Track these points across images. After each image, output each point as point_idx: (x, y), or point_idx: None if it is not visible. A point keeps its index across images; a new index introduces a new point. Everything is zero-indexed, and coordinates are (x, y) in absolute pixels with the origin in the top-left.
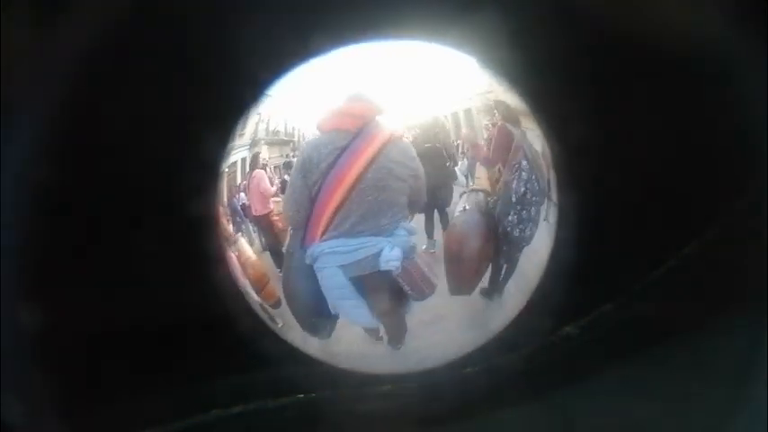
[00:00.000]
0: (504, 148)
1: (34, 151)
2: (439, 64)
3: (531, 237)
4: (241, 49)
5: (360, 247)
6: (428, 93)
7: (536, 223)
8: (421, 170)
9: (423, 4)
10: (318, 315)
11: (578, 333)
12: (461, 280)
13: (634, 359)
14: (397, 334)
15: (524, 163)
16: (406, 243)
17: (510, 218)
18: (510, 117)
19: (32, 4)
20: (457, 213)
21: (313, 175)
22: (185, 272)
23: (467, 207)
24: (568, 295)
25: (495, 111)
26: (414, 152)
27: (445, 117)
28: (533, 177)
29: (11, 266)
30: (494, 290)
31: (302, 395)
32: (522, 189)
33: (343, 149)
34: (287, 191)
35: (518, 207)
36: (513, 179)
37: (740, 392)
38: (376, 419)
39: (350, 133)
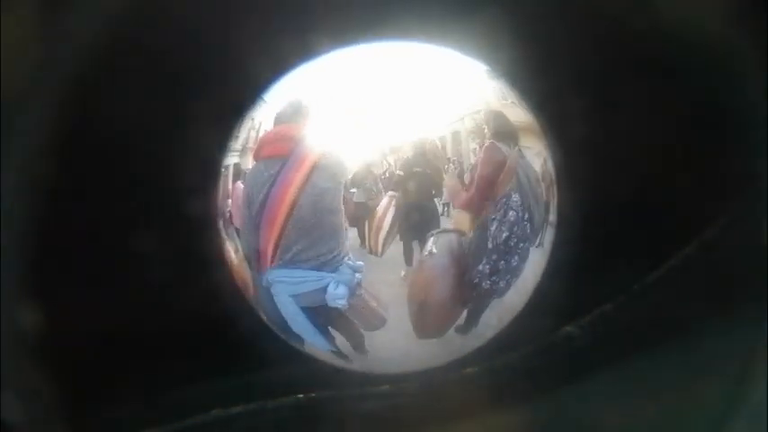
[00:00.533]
0: (489, 179)
1: (34, 151)
2: (439, 71)
3: (506, 289)
4: (241, 50)
5: (305, 280)
6: (424, 107)
7: (516, 274)
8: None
9: (423, 4)
10: (286, 332)
11: (578, 333)
12: (428, 326)
13: (634, 359)
14: (358, 343)
15: (515, 198)
16: (352, 280)
17: (481, 267)
18: (505, 134)
19: (33, 4)
20: (425, 254)
21: (255, 207)
22: (185, 272)
23: (434, 250)
24: (568, 295)
25: (486, 127)
26: (346, 171)
27: (441, 138)
28: (524, 218)
29: (11, 266)
30: (471, 325)
31: (302, 395)
32: (505, 234)
33: (275, 177)
34: (237, 222)
35: (493, 256)
36: (494, 220)
37: (740, 392)
38: (376, 419)
39: (281, 159)
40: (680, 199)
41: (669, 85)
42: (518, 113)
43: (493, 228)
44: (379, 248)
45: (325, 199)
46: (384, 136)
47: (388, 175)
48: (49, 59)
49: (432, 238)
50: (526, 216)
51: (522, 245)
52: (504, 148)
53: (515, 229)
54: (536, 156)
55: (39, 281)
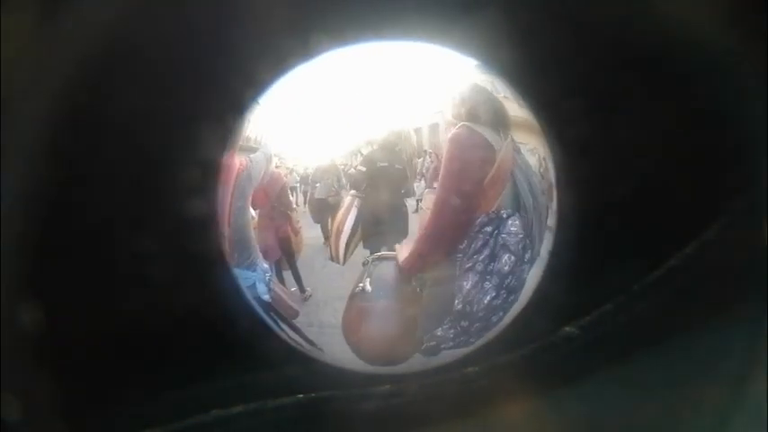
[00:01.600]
0: (463, 182)
1: (34, 151)
2: (428, 66)
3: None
4: (241, 49)
5: (244, 277)
6: (405, 100)
7: (498, 322)
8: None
9: (422, 4)
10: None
11: (578, 333)
12: (376, 359)
13: (634, 359)
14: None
15: (511, 226)
16: (265, 278)
17: (440, 332)
18: (492, 120)
19: (33, 4)
20: (356, 290)
21: None
22: (185, 272)
23: (367, 288)
24: (568, 295)
25: (463, 111)
26: (253, 183)
27: (415, 130)
28: (524, 257)
29: (11, 266)
30: (439, 345)
31: (302, 395)
32: (489, 296)
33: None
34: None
35: (462, 322)
36: (470, 269)
37: (740, 392)
38: (376, 419)
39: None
40: (680, 199)
41: (669, 85)
42: (512, 108)
43: (467, 283)
44: (341, 255)
45: (242, 212)
46: (358, 129)
47: (353, 170)
48: (49, 59)
49: (367, 266)
50: (527, 255)
51: (515, 285)
52: (489, 134)
53: (509, 280)
54: (530, 153)
55: (39, 281)
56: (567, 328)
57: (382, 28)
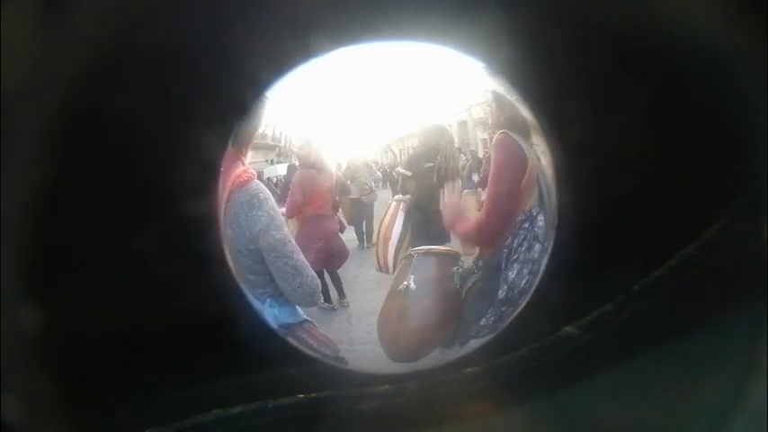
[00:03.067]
0: (507, 187)
1: (34, 151)
2: (441, 68)
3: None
4: (241, 49)
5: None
6: (429, 98)
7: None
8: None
9: (422, 4)
10: None
11: (578, 333)
12: (402, 355)
13: (634, 359)
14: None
15: (540, 222)
16: (297, 318)
17: (483, 321)
18: (518, 126)
19: (33, 4)
20: (400, 287)
21: None
22: (185, 272)
23: (412, 286)
24: (568, 295)
25: (498, 115)
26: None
27: (450, 126)
28: (546, 247)
29: (11, 266)
30: (476, 334)
31: (302, 395)
32: (525, 279)
33: None
34: None
35: (503, 308)
36: (515, 260)
37: (740, 392)
38: (376, 419)
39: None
40: (680, 199)
41: (669, 85)
42: (524, 110)
43: (512, 272)
44: (390, 264)
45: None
46: (386, 126)
47: (388, 169)
48: (50, 59)
49: (411, 263)
50: (546, 245)
51: (537, 269)
52: (521, 140)
53: (536, 265)
54: (543, 154)
55: (39, 281)
56: (567, 328)
57: (381, 28)
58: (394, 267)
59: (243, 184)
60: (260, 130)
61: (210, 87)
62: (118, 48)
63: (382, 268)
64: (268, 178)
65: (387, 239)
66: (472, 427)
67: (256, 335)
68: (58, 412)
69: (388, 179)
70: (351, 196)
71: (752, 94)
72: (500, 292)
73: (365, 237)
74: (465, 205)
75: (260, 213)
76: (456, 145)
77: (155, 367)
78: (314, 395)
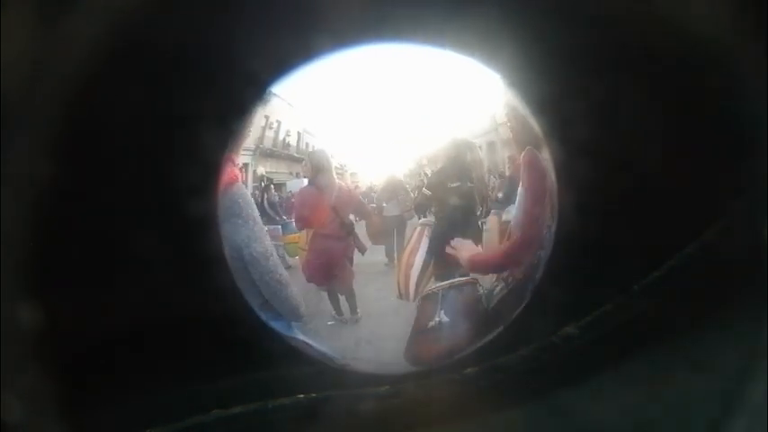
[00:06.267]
0: (538, 206)
1: (35, 151)
2: (467, 84)
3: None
4: (242, 49)
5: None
6: (457, 116)
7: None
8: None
9: (422, 5)
10: None
11: (578, 333)
12: (422, 363)
13: (634, 359)
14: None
15: (552, 227)
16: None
17: (514, 314)
18: (538, 145)
19: (33, 4)
20: (431, 323)
21: None
22: (185, 272)
23: (444, 319)
24: (568, 295)
25: (522, 133)
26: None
27: (479, 146)
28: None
29: (11, 266)
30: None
31: (302, 395)
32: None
33: None
34: None
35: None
36: (541, 260)
37: (740, 392)
38: (376, 419)
39: None
40: (680, 199)
41: (669, 85)
42: (533, 120)
43: (538, 274)
44: (411, 293)
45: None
46: (416, 143)
47: (418, 194)
48: (50, 59)
49: (437, 299)
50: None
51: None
52: (542, 154)
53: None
54: (548, 162)
55: (39, 281)
56: (567, 328)
57: (381, 28)
58: (415, 295)
59: (227, 187)
60: (284, 139)
61: (210, 87)
62: (118, 48)
63: (402, 295)
64: (290, 191)
65: (409, 266)
66: (472, 427)
67: (256, 335)
68: (58, 412)
69: (417, 204)
70: (387, 214)
71: (752, 94)
72: (527, 291)
73: (396, 255)
74: (491, 232)
75: (240, 222)
76: (486, 166)
77: (155, 367)
78: (314, 395)
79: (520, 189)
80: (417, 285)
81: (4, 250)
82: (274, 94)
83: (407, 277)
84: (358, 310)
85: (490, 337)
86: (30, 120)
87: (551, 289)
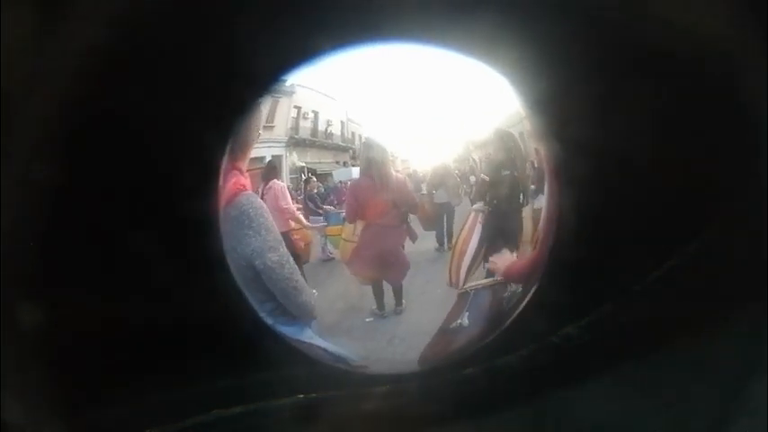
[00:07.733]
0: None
1: (34, 151)
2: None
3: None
4: (241, 49)
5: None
6: (497, 107)
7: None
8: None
9: (422, 4)
10: None
11: (578, 333)
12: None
13: (634, 359)
14: None
15: None
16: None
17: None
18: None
19: (34, 4)
20: (452, 326)
21: None
22: (185, 272)
23: (465, 323)
24: (568, 295)
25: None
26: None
27: (520, 135)
28: None
29: (11, 266)
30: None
31: (302, 395)
32: None
33: None
34: None
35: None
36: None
37: (740, 392)
38: (376, 419)
39: None
40: (680, 199)
41: (669, 85)
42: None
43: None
44: (461, 280)
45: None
46: (461, 132)
47: (474, 179)
48: (50, 59)
49: (468, 299)
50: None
51: None
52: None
53: None
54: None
55: (39, 281)
56: (567, 329)
57: (380, 29)
58: (465, 284)
59: (232, 197)
60: (326, 129)
61: (210, 87)
62: (117, 48)
63: (453, 283)
64: (340, 181)
65: (462, 253)
66: (471, 427)
67: (256, 335)
68: (58, 412)
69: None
70: (439, 201)
71: (752, 94)
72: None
73: (445, 239)
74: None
75: (250, 233)
76: (524, 154)
77: (155, 367)
78: (314, 395)
79: (547, 179)
80: (468, 272)
81: (4, 250)
82: (300, 86)
83: (459, 264)
84: (403, 301)
85: (490, 337)
86: (30, 119)
87: (551, 289)
